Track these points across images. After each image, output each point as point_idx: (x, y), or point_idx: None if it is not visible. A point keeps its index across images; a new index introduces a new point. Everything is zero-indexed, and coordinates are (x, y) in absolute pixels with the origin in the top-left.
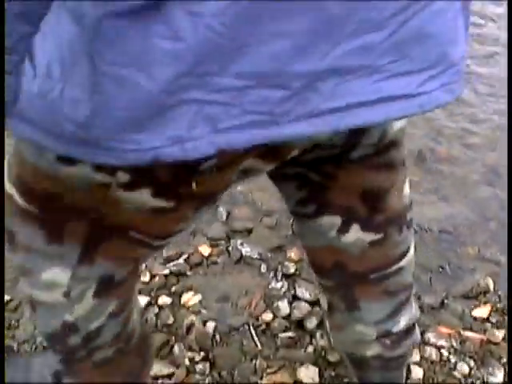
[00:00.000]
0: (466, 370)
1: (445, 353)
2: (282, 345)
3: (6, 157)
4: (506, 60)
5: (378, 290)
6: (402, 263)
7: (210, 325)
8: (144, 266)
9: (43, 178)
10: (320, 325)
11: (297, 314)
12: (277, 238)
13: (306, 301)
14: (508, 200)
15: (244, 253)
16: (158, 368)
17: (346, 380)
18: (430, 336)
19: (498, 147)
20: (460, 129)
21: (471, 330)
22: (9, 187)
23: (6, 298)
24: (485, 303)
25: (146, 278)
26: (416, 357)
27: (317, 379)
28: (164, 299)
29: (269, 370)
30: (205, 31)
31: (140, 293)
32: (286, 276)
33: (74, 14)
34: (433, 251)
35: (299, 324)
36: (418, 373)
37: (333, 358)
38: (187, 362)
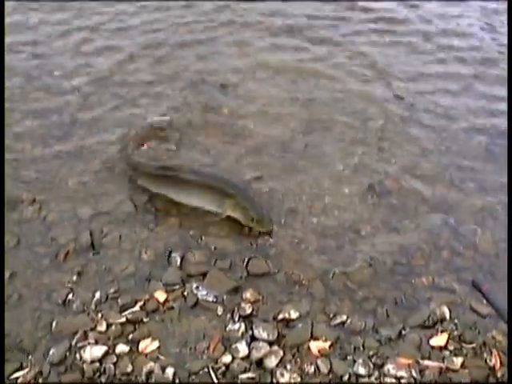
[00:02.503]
0: None
1: (405, 383)
2: None
3: None
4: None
5: None
6: None
7: (170, 371)
8: (100, 315)
9: None
10: (280, 363)
11: (256, 354)
12: (232, 279)
13: (264, 340)
14: (508, 215)
15: (200, 296)
16: None
17: None
18: (390, 367)
19: (446, 177)
20: (408, 160)
21: (430, 358)
22: None
23: None
24: (442, 332)
25: (102, 327)
26: None
27: None
28: (122, 348)
29: None
30: None
31: (97, 342)
32: (243, 317)
33: None
34: (388, 283)
35: (259, 364)
36: None
37: None
38: None
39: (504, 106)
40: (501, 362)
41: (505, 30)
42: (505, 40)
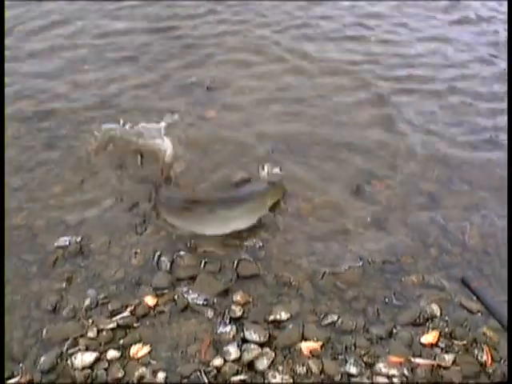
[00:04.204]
0: None
1: (397, 381)
2: None
3: None
4: None
5: None
6: None
7: (161, 375)
8: (90, 321)
9: None
10: (271, 365)
11: (247, 357)
12: (221, 282)
13: (255, 342)
14: (508, 219)
15: (190, 300)
16: None
17: None
18: (381, 366)
19: (433, 175)
20: (393, 159)
21: (421, 356)
22: None
23: None
24: (432, 329)
25: (92, 333)
26: None
27: None
28: (113, 353)
29: None
30: None
31: (87, 349)
32: (234, 319)
33: None
34: (377, 282)
35: (250, 366)
36: None
37: None
38: None
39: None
40: (492, 358)
41: None
42: None
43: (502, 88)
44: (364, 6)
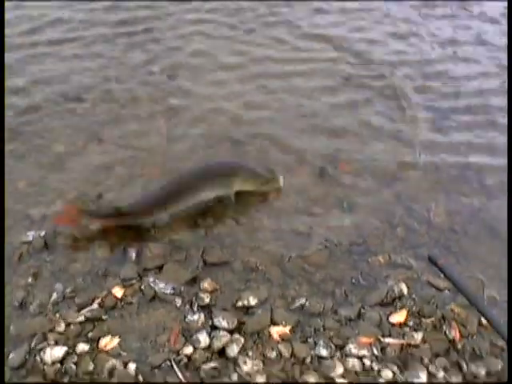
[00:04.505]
0: (389, 375)
1: (367, 362)
2: (206, 376)
3: None
4: None
5: None
6: None
7: (132, 366)
8: (58, 315)
9: None
10: (242, 351)
11: (217, 344)
12: (188, 270)
13: (224, 329)
14: (508, 212)
15: (157, 290)
16: None
17: None
18: (351, 347)
19: (394, 156)
20: (358, 142)
21: (390, 336)
22: None
23: None
24: (401, 308)
25: (61, 327)
26: (339, 369)
27: None
28: (82, 347)
29: None
30: None
31: (57, 343)
32: (202, 307)
33: None
34: (344, 264)
35: (221, 353)
36: None
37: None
38: None
39: None
40: (460, 334)
41: None
42: None
43: None
44: None
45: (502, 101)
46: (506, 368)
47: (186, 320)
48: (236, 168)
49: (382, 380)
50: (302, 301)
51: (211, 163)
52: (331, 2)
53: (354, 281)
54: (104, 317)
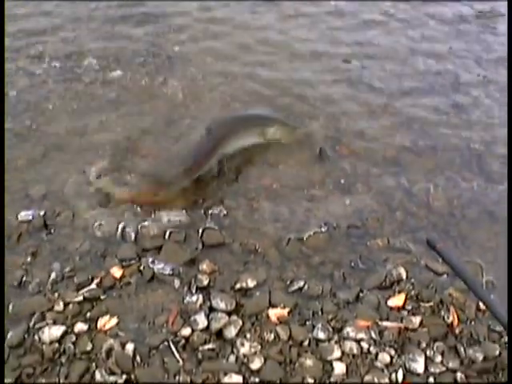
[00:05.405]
0: (387, 359)
1: (365, 345)
2: (203, 357)
3: None
4: None
5: None
6: None
7: (130, 346)
8: (56, 294)
9: None
10: (239, 333)
11: (215, 325)
12: (187, 251)
13: (222, 311)
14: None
15: (156, 270)
16: None
17: None
18: (349, 330)
19: (396, 139)
20: (358, 125)
21: (388, 319)
22: None
23: None
24: (399, 292)
25: (59, 307)
26: (337, 352)
27: None
28: (80, 326)
29: None
30: None
31: (55, 322)
32: (201, 289)
33: None
34: (343, 247)
35: (218, 335)
36: (341, 368)
37: (255, 365)
38: None
39: None
40: (458, 319)
41: None
42: None
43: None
44: None
45: None
46: (507, 357)
47: (185, 301)
48: (270, 118)
49: (379, 364)
50: (301, 283)
51: (248, 113)
52: None
53: (352, 264)
54: (102, 297)
